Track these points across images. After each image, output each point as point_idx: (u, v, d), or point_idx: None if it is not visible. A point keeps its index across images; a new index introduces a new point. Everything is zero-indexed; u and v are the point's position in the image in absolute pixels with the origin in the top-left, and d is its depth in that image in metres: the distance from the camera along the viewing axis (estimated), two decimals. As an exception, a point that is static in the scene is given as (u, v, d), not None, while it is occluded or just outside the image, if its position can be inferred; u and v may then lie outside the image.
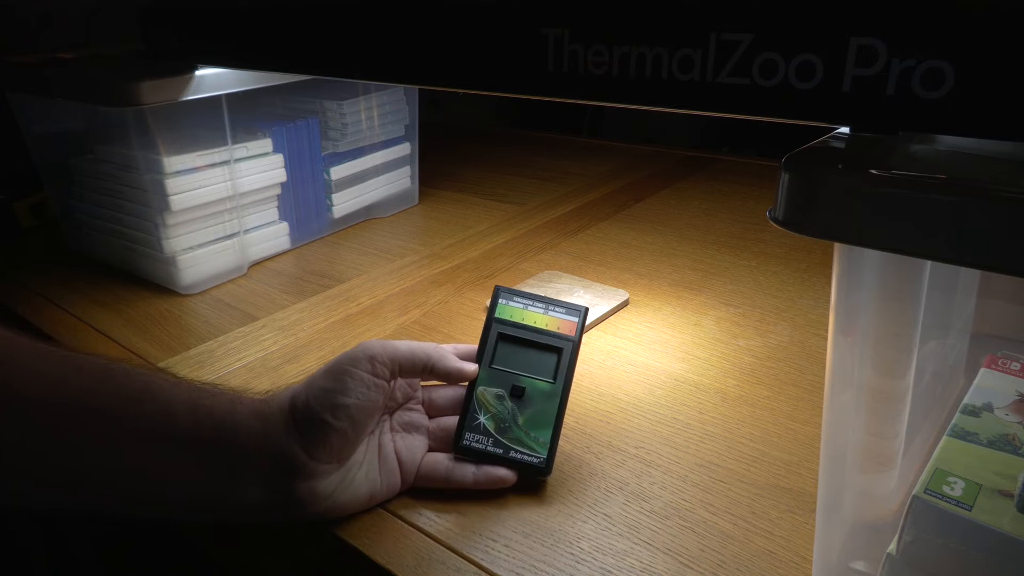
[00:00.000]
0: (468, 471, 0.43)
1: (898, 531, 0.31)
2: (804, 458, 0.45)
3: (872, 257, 0.30)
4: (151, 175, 0.67)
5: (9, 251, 0.85)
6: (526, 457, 0.43)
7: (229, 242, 0.74)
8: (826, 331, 0.32)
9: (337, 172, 0.83)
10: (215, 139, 0.70)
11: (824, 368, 0.32)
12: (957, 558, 0.30)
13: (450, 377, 0.44)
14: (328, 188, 0.83)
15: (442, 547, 0.40)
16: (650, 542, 0.40)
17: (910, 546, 0.31)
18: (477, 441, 0.44)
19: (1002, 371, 0.40)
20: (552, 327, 0.46)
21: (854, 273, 0.30)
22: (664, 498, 0.43)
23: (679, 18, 0.34)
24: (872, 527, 0.36)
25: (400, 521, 0.42)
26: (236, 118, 0.71)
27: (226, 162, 0.71)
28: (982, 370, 0.40)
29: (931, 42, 0.27)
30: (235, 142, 0.72)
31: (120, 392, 0.36)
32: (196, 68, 0.65)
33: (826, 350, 0.32)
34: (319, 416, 0.39)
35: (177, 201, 0.68)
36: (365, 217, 0.89)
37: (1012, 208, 0.22)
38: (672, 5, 0.34)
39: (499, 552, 0.39)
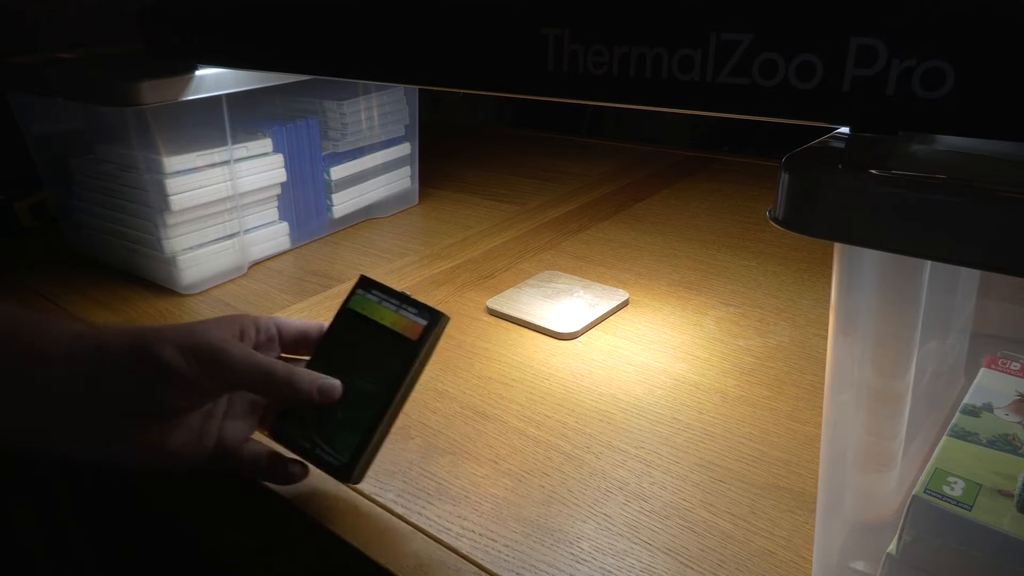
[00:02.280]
0: (258, 466, 0.42)
1: (898, 531, 0.31)
2: (804, 458, 0.45)
3: (872, 257, 0.30)
4: (151, 175, 0.67)
5: (9, 251, 0.85)
6: (329, 458, 0.41)
7: (229, 242, 0.74)
8: (826, 331, 0.32)
9: (337, 172, 0.83)
10: (215, 139, 0.70)
11: (824, 368, 0.32)
12: (957, 558, 0.30)
13: (287, 396, 0.41)
14: (328, 188, 0.83)
15: (442, 547, 0.40)
16: (650, 542, 0.40)
17: (910, 546, 0.31)
18: (291, 429, 0.42)
19: (1002, 371, 0.40)
20: (398, 327, 0.42)
21: (854, 273, 0.30)
22: (664, 498, 0.43)
23: (679, 18, 0.34)
24: (872, 527, 0.36)
25: (400, 521, 0.42)
26: (236, 118, 0.71)
27: (226, 162, 0.71)
28: (982, 370, 0.40)
29: (931, 42, 0.27)
30: (235, 142, 0.72)
31: None
32: (196, 68, 0.65)
33: (826, 350, 0.32)
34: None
35: (177, 201, 0.68)
36: (365, 217, 0.89)
37: (1012, 208, 0.22)
38: (672, 5, 0.34)
39: (499, 552, 0.39)
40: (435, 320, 0.42)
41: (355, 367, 0.42)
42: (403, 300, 0.43)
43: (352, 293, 0.44)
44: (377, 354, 0.42)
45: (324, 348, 0.43)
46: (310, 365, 0.42)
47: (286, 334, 0.43)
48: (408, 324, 0.42)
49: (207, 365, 0.38)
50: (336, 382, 0.41)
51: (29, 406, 0.38)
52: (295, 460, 0.43)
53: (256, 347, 0.41)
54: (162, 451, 0.38)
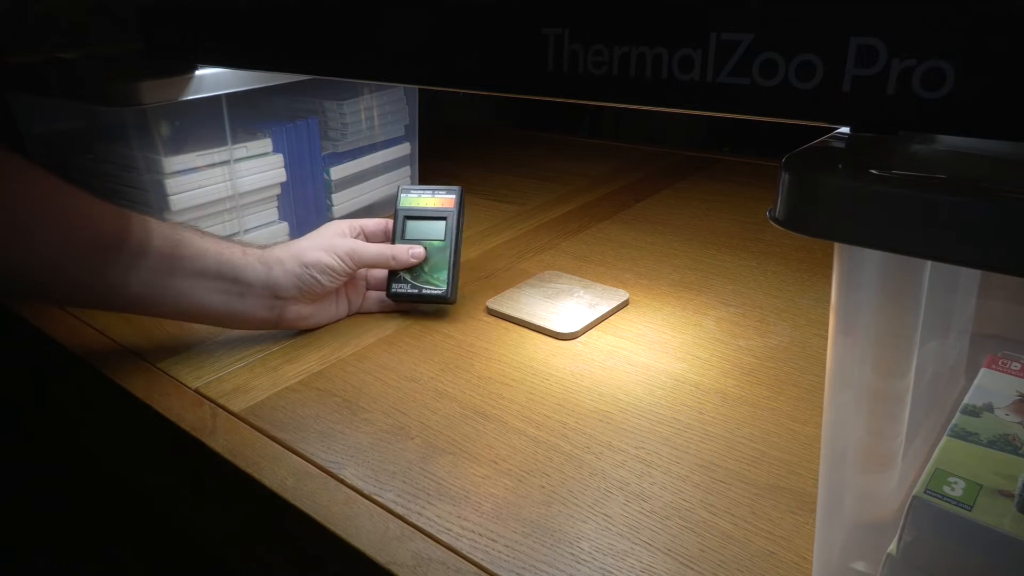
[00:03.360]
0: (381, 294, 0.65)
1: (898, 531, 0.31)
2: (804, 458, 0.45)
3: (872, 257, 0.30)
4: (151, 175, 0.67)
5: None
6: (432, 292, 0.62)
7: (229, 242, 0.74)
8: (826, 331, 0.32)
9: (337, 172, 0.83)
10: (215, 139, 0.70)
11: (824, 368, 0.32)
12: (957, 558, 0.30)
13: (395, 266, 0.63)
14: (328, 188, 0.83)
15: (442, 547, 0.40)
16: (650, 542, 0.40)
17: (910, 546, 0.31)
18: (400, 287, 0.63)
19: (1002, 371, 0.40)
20: (437, 204, 0.64)
21: (854, 273, 0.30)
22: (664, 498, 0.43)
23: (679, 18, 0.34)
24: (872, 527, 0.36)
25: (400, 521, 0.42)
26: (236, 118, 0.71)
27: (226, 162, 0.71)
28: (982, 370, 0.40)
29: (931, 42, 0.27)
30: (235, 142, 0.72)
31: (169, 241, 0.53)
32: (196, 68, 0.65)
33: (826, 350, 0.32)
34: (299, 286, 0.58)
35: (177, 201, 0.68)
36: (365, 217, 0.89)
37: (1012, 208, 0.22)
38: (672, 5, 0.34)
39: (499, 552, 0.39)
40: (459, 193, 0.65)
41: (424, 236, 0.64)
42: (432, 188, 0.65)
43: (397, 197, 0.65)
44: (433, 223, 0.64)
45: (399, 233, 0.64)
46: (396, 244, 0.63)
47: (367, 228, 0.64)
48: (443, 200, 0.65)
49: (346, 257, 0.59)
50: (420, 248, 0.63)
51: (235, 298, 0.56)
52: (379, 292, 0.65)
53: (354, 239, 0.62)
54: (315, 317, 0.61)
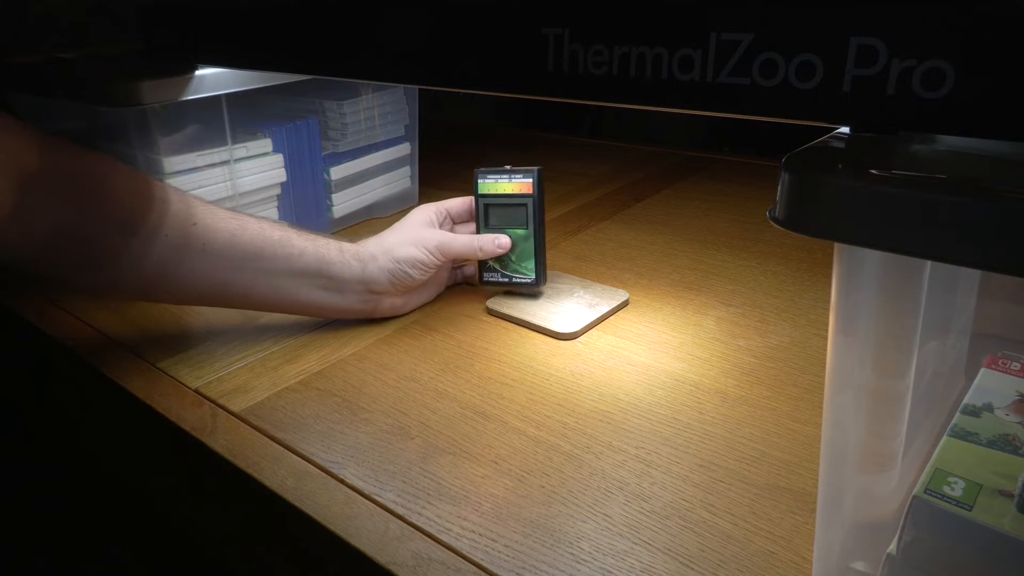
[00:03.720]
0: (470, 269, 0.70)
1: (898, 531, 0.31)
2: (804, 458, 0.45)
3: (872, 257, 0.30)
4: (151, 175, 0.67)
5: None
6: (521, 279, 0.64)
7: (229, 242, 0.74)
8: (826, 331, 0.32)
9: (337, 172, 0.83)
10: (215, 139, 0.70)
11: (824, 368, 0.32)
12: (957, 558, 0.30)
13: (483, 257, 0.65)
14: (328, 188, 0.83)
15: (442, 547, 0.40)
16: (650, 542, 0.40)
17: (910, 546, 0.31)
18: (491, 275, 0.65)
19: (1002, 371, 0.40)
20: (516, 190, 0.63)
21: (854, 273, 0.30)
22: (664, 498, 0.43)
23: (679, 18, 0.34)
24: (872, 527, 0.36)
25: (400, 521, 0.42)
26: (236, 118, 0.71)
27: (226, 162, 0.71)
28: (982, 370, 0.40)
29: (931, 42, 0.27)
30: (235, 142, 0.72)
31: (268, 241, 0.56)
32: (196, 68, 0.65)
33: (826, 350, 0.32)
34: (392, 281, 0.60)
35: (177, 201, 0.67)
36: (365, 217, 0.89)
37: (1012, 208, 0.22)
38: (672, 5, 0.34)
39: (499, 552, 0.39)
40: (537, 174, 0.63)
41: (507, 224, 0.64)
42: (509, 172, 0.64)
43: (476, 182, 0.64)
44: (514, 210, 0.64)
45: (481, 220, 0.65)
46: (480, 233, 0.65)
47: (452, 210, 0.66)
48: (521, 185, 0.63)
49: (435, 251, 0.61)
50: (506, 238, 0.64)
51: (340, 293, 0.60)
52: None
53: (440, 227, 0.64)
54: (408, 304, 0.65)
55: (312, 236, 0.59)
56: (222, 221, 0.55)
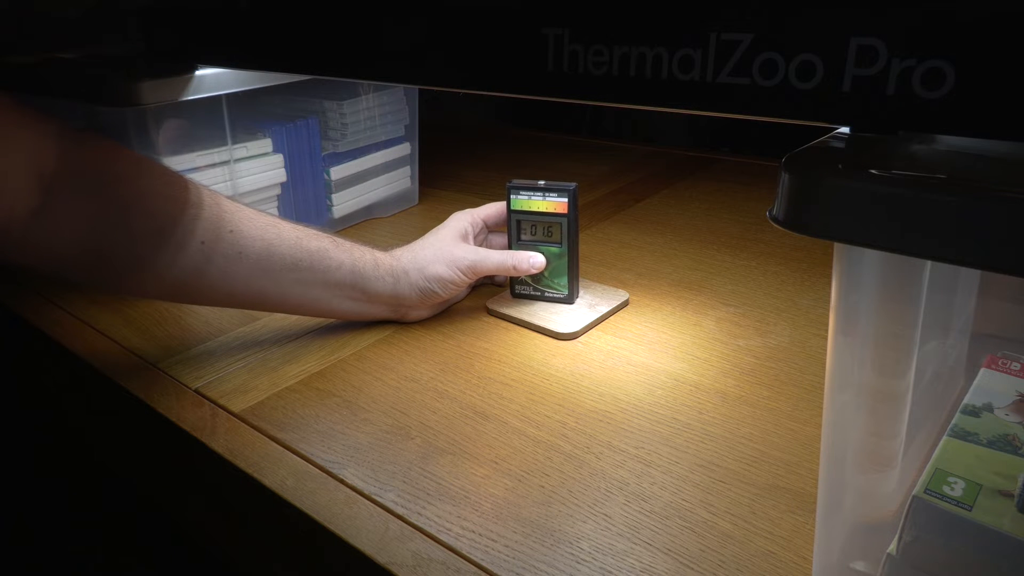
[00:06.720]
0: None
1: (898, 531, 0.31)
2: (804, 458, 0.45)
3: (872, 257, 0.30)
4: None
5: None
6: (554, 295, 0.64)
7: (229, 242, 0.74)
8: (826, 331, 0.32)
9: (337, 172, 0.83)
10: (215, 139, 0.70)
11: (824, 368, 0.32)
12: (957, 558, 0.30)
13: (517, 274, 0.65)
14: (328, 188, 0.83)
15: (442, 547, 0.40)
16: (650, 542, 0.40)
17: (910, 546, 0.31)
18: (523, 289, 0.65)
19: (1002, 371, 0.40)
20: (550, 208, 0.62)
21: (854, 273, 0.30)
22: (664, 498, 0.43)
23: (679, 18, 0.34)
24: (872, 527, 0.36)
25: (400, 521, 0.42)
26: (236, 118, 0.71)
27: (226, 162, 0.71)
28: (982, 370, 0.40)
29: (931, 42, 0.27)
30: (235, 142, 0.72)
31: (305, 252, 0.56)
32: (196, 68, 0.65)
33: (826, 350, 0.32)
34: (421, 297, 0.61)
35: (177, 201, 0.67)
36: (365, 217, 0.89)
37: (1012, 208, 0.22)
38: (672, 5, 0.34)
39: (499, 552, 0.39)
40: (572, 192, 0.61)
41: (541, 240, 0.64)
42: (543, 189, 0.62)
43: (509, 197, 0.63)
44: (548, 228, 0.63)
45: (514, 236, 0.64)
46: (513, 248, 0.65)
47: (488, 220, 0.66)
48: (555, 204, 0.62)
49: (467, 271, 0.61)
50: (540, 257, 0.63)
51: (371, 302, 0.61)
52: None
53: (475, 238, 0.65)
54: (434, 312, 0.65)
55: (349, 247, 0.59)
56: (258, 229, 0.55)
